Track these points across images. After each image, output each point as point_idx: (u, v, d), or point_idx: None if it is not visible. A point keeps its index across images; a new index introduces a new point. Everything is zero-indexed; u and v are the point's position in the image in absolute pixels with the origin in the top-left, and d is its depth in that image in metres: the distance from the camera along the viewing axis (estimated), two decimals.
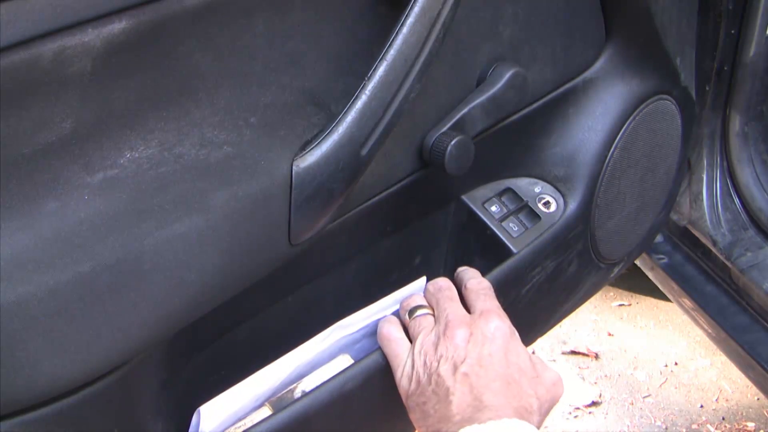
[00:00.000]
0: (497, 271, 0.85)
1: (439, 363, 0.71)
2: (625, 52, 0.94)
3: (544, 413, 0.71)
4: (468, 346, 0.71)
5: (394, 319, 0.78)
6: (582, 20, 0.90)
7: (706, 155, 1.20)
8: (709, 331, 1.28)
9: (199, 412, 0.69)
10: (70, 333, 0.56)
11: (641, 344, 1.86)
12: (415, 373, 0.72)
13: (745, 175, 1.19)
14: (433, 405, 0.70)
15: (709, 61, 1.10)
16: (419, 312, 0.77)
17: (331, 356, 0.78)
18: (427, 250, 0.92)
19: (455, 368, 0.70)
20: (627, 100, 0.95)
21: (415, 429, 0.95)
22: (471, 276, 0.81)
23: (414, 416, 0.72)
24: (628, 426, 1.71)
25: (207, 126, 0.63)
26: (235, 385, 0.71)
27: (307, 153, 0.65)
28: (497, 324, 0.73)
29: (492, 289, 0.80)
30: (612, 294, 1.97)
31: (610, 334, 1.89)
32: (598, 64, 0.93)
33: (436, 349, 0.72)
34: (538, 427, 0.68)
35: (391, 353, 0.75)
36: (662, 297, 1.73)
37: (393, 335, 0.76)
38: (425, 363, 0.72)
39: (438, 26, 0.68)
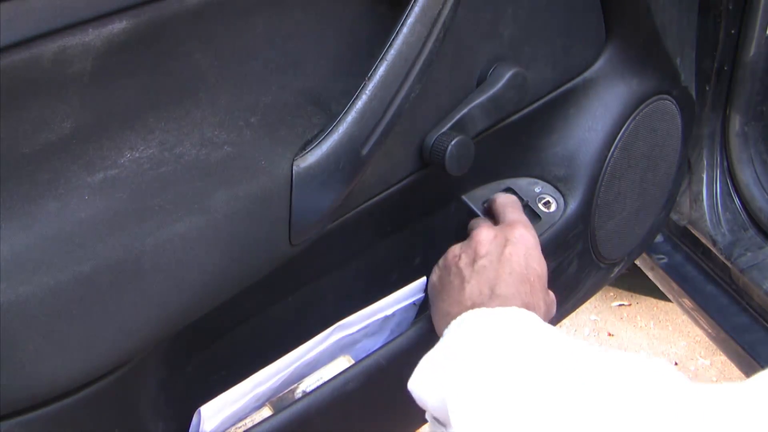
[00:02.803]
0: None
1: (460, 257, 0.75)
2: (625, 52, 0.94)
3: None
4: (491, 245, 0.75)
5: None
6: (582, 20, 0.90)
7: (706, 155, 1.20)
8: (709, 331, 1.28)
9: (199, 412, 0.69)
10: (70, 333, 0.56)
11: (641, 344, 1.86)
12: (438, 268, 0.78)
13: (745, 175, 1.19)
14: (449, 292, 0.73)
15: (709, 61, 1.10)
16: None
17: (332, 356, 0.78)
18: (427, 250, 0.92)
19: (474, 261, 0.74)
20: (627, 100, 0.95)
21: (415, 429, 0.95)
22: (501, 194, 0.87)
23: (432, 307, 0.76)
24: None
25: (207, 126, 0.63)
26: (236, 386, 0.71)
27: (307, 153, 0.65)
28: (522, 232, 0.76)
29: (520, 204, 0.85)
30: (612, 294, 1.97)
31: (610, 334, 1.89)
32: (598, 64, 0.93)
33: (461, 246, 0.77)
34: None
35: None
36: (662, 297, 1.73)
37: None
38: (448, 258, 0.77)
39: (438, 26, 0.68)
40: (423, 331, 0.79)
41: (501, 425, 0.55)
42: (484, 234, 0.76)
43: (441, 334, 0.70)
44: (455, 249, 0.77)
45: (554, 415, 0.53)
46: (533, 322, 0.66)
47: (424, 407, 0.67)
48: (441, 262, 0.78)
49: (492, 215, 0.85)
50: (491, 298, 0.70)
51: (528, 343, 0.62)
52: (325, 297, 0.83)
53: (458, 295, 0.72)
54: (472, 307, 0.69)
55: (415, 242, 0.89)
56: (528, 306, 0.70)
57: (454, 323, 0.68)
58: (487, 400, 0.58)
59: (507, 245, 0.74)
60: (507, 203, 0.83)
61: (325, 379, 0.75)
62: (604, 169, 0.94)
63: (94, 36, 0.55)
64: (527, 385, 0.57)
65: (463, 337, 0.66)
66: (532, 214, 0.91)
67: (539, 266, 0.75)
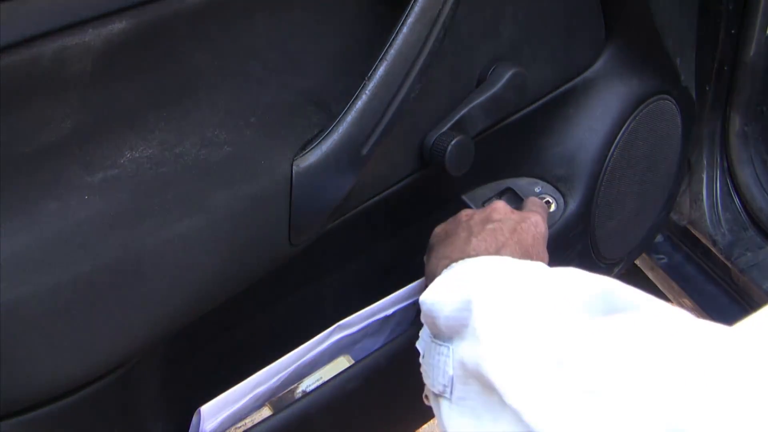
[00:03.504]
0: None
1: (472, 217, 0.76)
2: (625, 52, 0.94)
3: None
4: (505, 216, 0.75)
5: None
6: (582, 20, 0.90)
7: (706, 155, 1.20)
8: None
9: (199, 412, 0.69)
10: (70, 333, 0.56)
11: None
12: (446, 223, 0.78)
13: (745, 175, 1.19)
14: (453, 240, 0.73)
15: (709, 61, 1.10)
16: None
17: (332, 356, 0.78)
18: None
19: (485, 222, 0.74)
20: (627, 100, 0.95)
21: (417, 428, 0.95)
22: (535, 198, 0.88)
23: (429, 253, 0.76)
24: None
25: (207, 126, 0.63)
26: (236, 386, 0.71)
27: (307, 153, 0.65)
28: (539, 220, 0.77)
29: (547, 210, 0.86)
30: None
31: None
32: (598, 64, 0.93)
33: (474, 210, 0.78)
34: None
35: None
36: (662, 297, 1.72)
37: None
38: (460, 215, 0.77)
39: (438, 26, 0.68)
40: None
41: (526, 318, 0.57)
42: (501, 205, 0.77)
43: (435, 274, 0.71)
44: (468, 210, 0.78)
45: (581, 322, 0.54)
46: (541, 268, 0.67)
47: (432, 320, 0.67)
48: (451, 218, 0.78)
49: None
50: (493, 255, 0.70)
51: (543, 265, 0.65)
52: (325, 297, 0.83)
53: (463, 245, 0.72)
54: (475, 257, 0.70)
55: (415, 242, 0.89)
56: None
57: (455, 264, 0.69)
58: (513, 295, 0.60)
59: (520, 222, 0.75)
60: (537, 202, 0.85)
61: (325, 379, 0.75)
62: (604, 169, 0.94)
63: (94, 36, 0.55)
64: (552, 287, 0.59)
65: (474, 261, 0.67)
66: None
67: (543, 254, 0.76)
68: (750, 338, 0.47)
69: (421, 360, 0.69)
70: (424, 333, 0.70)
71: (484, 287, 0.62)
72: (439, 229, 0.78)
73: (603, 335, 0.52)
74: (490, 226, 0.74)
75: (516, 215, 0.76)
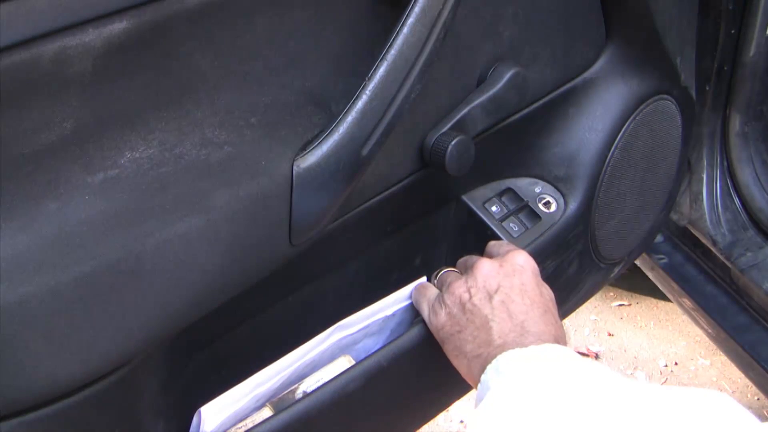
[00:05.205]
0: None
1: (470, 294, 0.72)
2: (625, 52, 0.94)
3: None
4: (499, 276, 0.73)
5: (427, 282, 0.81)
6: (582, 20, 0.90)
7: (706, 155, 1.20)
8: (709, 331, 1.28)
9: (199, 412, 0.69)
10: (71, 333, 0.56)
11: (641, 344, 1.86)
12: (445, 306, 0.74)
13: (745, 175, 1.19)
14: (471, 332, 0.71)
15: (709, 61, 1.10)
16: (446, 270, 0.80)
17: (332, 356, 0.78)
18: (427, 250, 0.92)
19: (489, 297, 0.71)
20: (627, 100, 0.95)
21: (417, 428, 0.95)
22: (489, 243, 0.85)
23: (448, 347, 0.73)
24: None
25: (207, 126, 0.63)
26: (236, 386, 0.71)
27: (307, 153, 0.65)
28: (525, 257, 0.75)
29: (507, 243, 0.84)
30: (612, 294, 1.97)
31: (610, 334, 1.89)
32: (599, 64, 0.93)
33: (465, 282, 0.74)
34: None
35: (419, 299, 0.78)
36: (662, 297, 1.73)
37: (424, 286, 0.79)
38: (455, 295, 0.73)
39: (438, 26, 0.68)
40: (424, 331, 0.79)
41: None
42: (487, 267, 0.73)
43: (475, 378, 0.68)
44: (459, 286, 0.73)
45: None
46: (572, 359, 0.64)
47: None
48: (448, 299, 0.73)
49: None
50: (523, 335, 0.68)
51: (579, 389, 0.60)
52: (325, 297, 0.83)
53: (485, 335, 0.69)
54: (504, 345, 0.67)
55: (415, 242, 0.89)
56: (557, 338, 0.69)
57: (490, 368, 0.66)
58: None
59: (515, 274, 0.73)
60: (500, 243, 0.83)
61: (326, 379, 0.75)
62: (604, 169, 0.94)
63: (94, 36, 0.55)
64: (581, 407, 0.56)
65: (510, 389, 0.63)
66: (532, 214, 0.91)
67: (547, 290, 0.75)
68: None
69: None
70: None
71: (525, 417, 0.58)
72: (443, 320, 0.73)
73: None
74: (497, 298, 0.71)
75: (505, 267, 0.73)
